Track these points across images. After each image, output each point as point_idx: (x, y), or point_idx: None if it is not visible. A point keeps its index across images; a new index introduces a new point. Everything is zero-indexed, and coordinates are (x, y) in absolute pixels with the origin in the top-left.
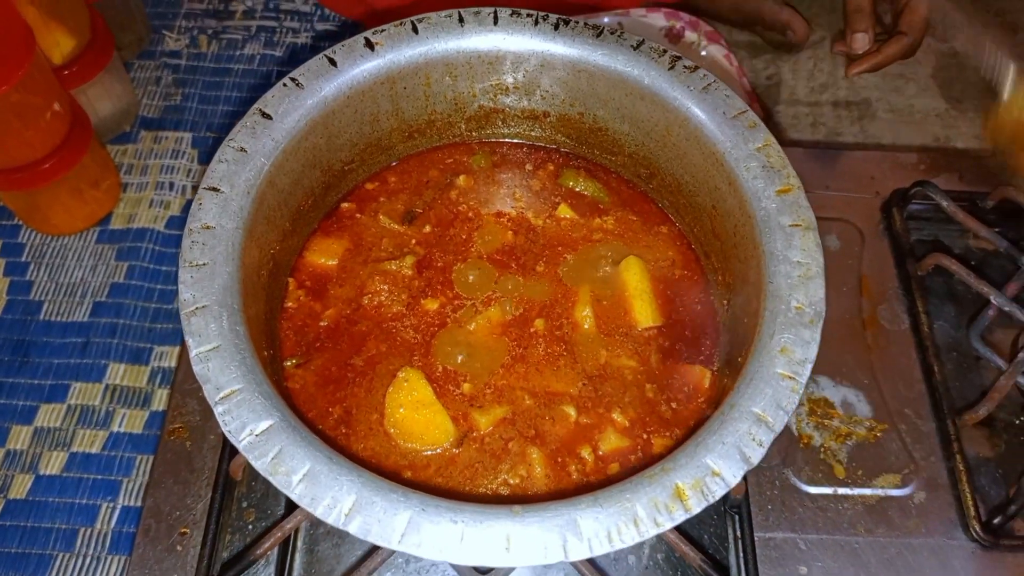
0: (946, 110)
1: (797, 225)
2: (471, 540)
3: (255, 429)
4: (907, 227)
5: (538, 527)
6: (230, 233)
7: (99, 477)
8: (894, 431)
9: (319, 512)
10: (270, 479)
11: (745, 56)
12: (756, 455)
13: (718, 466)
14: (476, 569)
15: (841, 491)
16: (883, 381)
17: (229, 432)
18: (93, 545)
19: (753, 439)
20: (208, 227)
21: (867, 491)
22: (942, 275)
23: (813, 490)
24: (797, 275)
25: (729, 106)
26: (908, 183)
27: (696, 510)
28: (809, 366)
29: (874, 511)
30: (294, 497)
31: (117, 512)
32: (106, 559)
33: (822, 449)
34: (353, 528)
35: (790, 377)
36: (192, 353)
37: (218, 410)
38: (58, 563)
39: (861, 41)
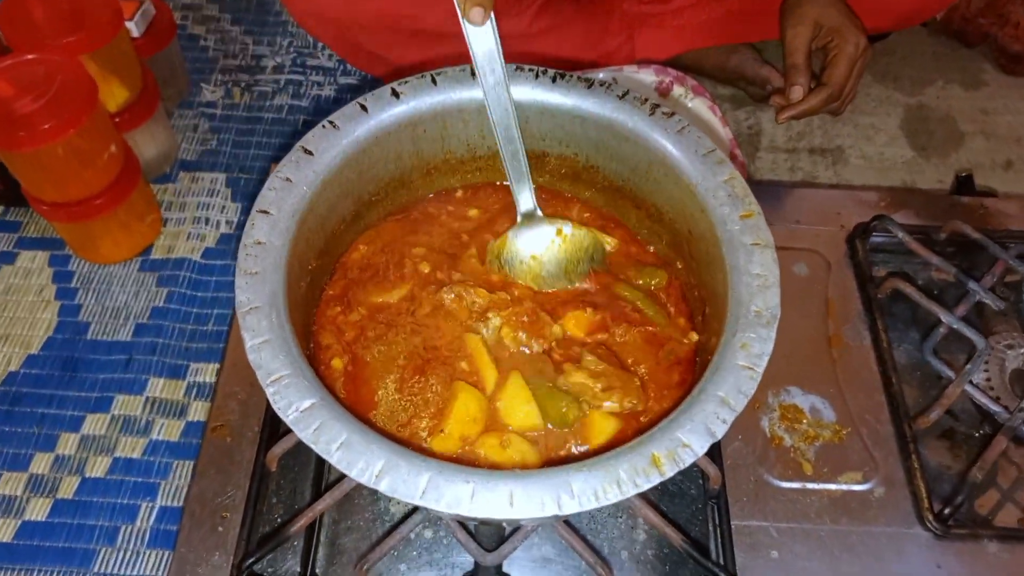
0: (913, 158)
1: (757, 244)
2: (480, 497)
3: (300, 407)
4: (869, 256)
5: (537, 486)
6: (278, 248)
7: (139, 480)
8: (856, 434)
9: (354, 473)
10: (313, 447)
11: (728, 108)
12: (720, 430)
13: (688, 439)
14: (482, 547)
15: (809, 486)
16: (847, 390)
17: (279, 409)
18: (133, 540)
19: (718, 417)
20: (260, 243)
21: (832, 486)
22: (903, 301)
23: (784, 485)
24: (756, 285)
25: (700, 145)
26: (869, 218)
27: (669, 474)
28: (766, 358)
29: (838, 503)
30: (333, 461)
31: (156, 511)
32: (145, 553)
33: (792, 449)
34: (383, 486)
35: (749, 367)
36: (247, 344)
37: (269, 391)
38: (101, 556)
39: (796, 92)
